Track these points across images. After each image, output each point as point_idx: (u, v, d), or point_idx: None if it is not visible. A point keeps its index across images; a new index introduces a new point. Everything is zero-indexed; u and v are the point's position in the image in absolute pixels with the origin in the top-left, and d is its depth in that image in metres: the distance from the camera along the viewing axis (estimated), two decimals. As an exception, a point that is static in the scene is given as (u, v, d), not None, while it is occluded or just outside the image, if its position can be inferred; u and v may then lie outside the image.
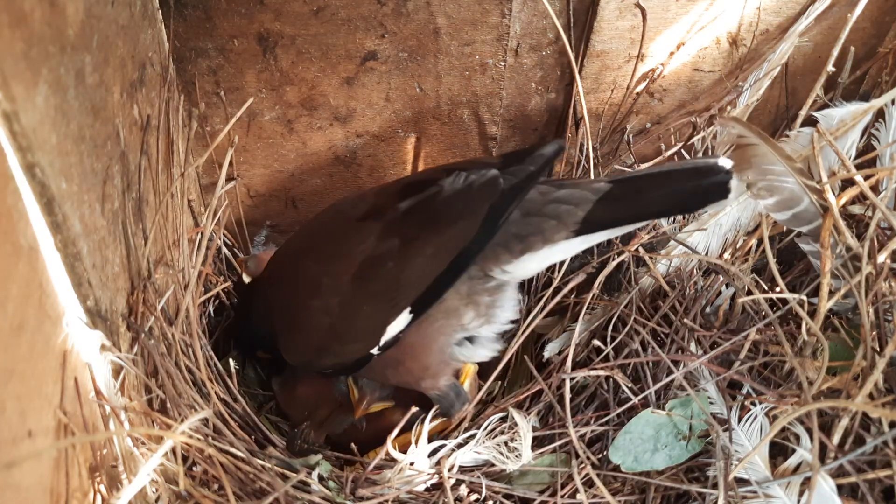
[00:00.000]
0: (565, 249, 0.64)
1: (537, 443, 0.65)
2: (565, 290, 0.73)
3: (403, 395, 0.75)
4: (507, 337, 0.74)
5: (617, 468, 0.62)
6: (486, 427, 0.66)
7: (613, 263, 0.72)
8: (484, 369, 0.82)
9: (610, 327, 0.71)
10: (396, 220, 0.66)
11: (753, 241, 0.71)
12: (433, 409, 0.70)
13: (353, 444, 0.70)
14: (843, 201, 0.60)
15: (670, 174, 0.62)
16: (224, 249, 0.85)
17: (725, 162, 0.59)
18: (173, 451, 0.52)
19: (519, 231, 0.64)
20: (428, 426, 0.65)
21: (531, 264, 0.65)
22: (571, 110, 0.81)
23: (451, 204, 0.64)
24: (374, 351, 0.66)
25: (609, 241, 0.78)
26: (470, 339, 0.69)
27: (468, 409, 0.72)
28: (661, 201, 0.60)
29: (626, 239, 0.74)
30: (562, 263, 0.80)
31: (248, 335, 0.80)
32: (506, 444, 0.65)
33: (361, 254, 0.65)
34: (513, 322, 0.71)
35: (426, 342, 0.67)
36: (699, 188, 0.60)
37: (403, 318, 0.64)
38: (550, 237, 0.62)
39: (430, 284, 0.63)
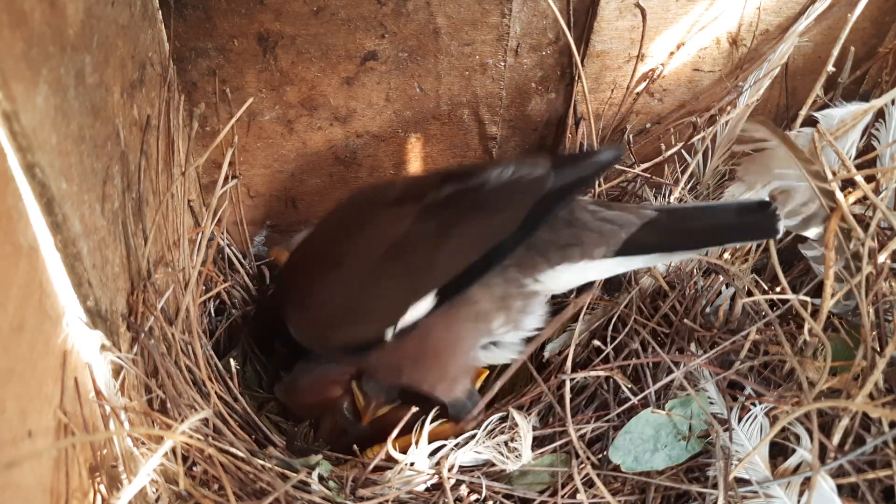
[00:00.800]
0: (602, 268, 0.63)
1: (537, 443, 0.65)
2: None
3: (407, 398, 0.75)
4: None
5: (617, 468, 0.62)
6: (486, 427, 0.66)
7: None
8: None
9: (610, 327, 0.71)
10: (436, 203, 0.65)
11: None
12: (434, 410, 0.70)
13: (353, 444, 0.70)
14: (850, 201, 0.60)
15: (716, 209, 0.63)
16: (225, 249, 0.85)
17: (769, 200, 0.60)
18: (173, 451, 0.52)
19: (559, 240, 0.63)
20: (429, 426, 0.65)
21: (566, 276, 0.64)
22: (571, 110, 0.81)
23: (495, 195, 0.64)
24: (389, 334, 0.64)
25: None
26: (495, 344, 0.69)
27: (479, 416, 0.71)
28: (706, 233, 0.61)
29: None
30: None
31: (265, 321, 0.80)
32: (506, 444, 0.65)
33: (394, 234, 0.65)
34: (537, 329, 0.69)
35: (453, 342, 0.66)
36: (745, 224, 0.60)
37: (427, 302, 0.62)
38: (590, 252, 0.62)
39: (461, 272, 0.62)
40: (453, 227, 0.63)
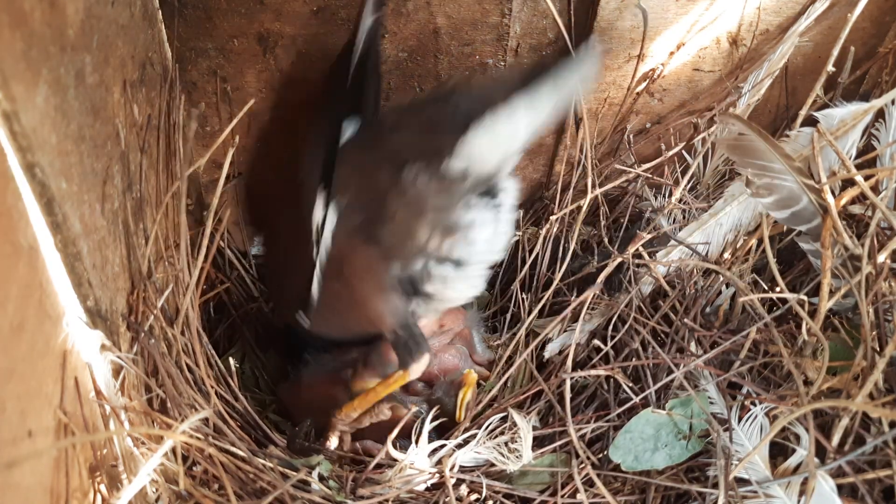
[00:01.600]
0: (514, 113, 0.56)
1: (537, 443, 0.65)
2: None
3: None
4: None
5: (617, 468, 0.62)
6: (487, 427, 0.66)
7: (614, 263, 0.72)
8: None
9: (610, 327, 0.71)
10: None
11: (754, 241, 0.71)
12: (434, 409, 0.70)
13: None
14: (843, 202, 0.60)
15: None
16: (225, 249, 0.85)
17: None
18: (173, 450, 0.52)
19: (460, 110, 0.57)
20: (428, 426, 0.65)
21: (481, 140, 0.57)
22: (571, 110, 0.81)
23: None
24: (314, 255, 0.62)
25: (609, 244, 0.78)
26: (453, 263, 0.63)
27: (427, 361, 0.67)
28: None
29: (626, 241, 0.74)
30: (562, 265, 0.80)
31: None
32: (506, 444, 0.64)
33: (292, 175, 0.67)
34: (495, 254, 0.64)
35: (366, 265, 0.63)
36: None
37: (321, 199, 0.60)
38: (490, 101, 0.55)
39: (327, 146, 0.60)
40: (308, 137, 0.65)
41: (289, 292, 0.68)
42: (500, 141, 0.57)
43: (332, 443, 0.70)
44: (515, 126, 0.56)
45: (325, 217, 0.60)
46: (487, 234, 0.62)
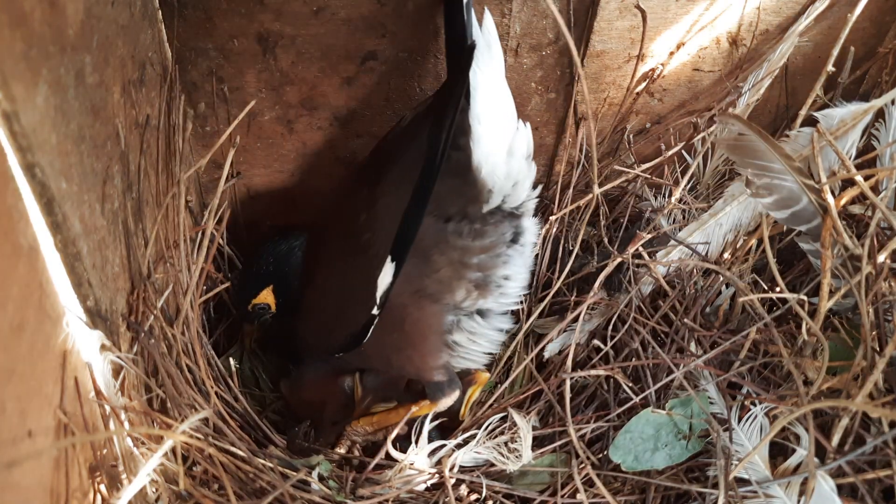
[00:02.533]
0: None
1: (537, 443, 0.65)
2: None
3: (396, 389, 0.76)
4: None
5: (617, 468, 0.62)
6: (487, 427, 0.66)
7: (614, 263, 0.72)
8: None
9: (610, 327, 0.71)
10: (364, 171, 0.69)
11: (754, 241, 0.71)
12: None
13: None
14: (843, 202, 0.60)
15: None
16: (225, 249, 0.85)
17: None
18: (173, 450, 0.52)
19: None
20: (428, 426, 0.65)
21: (484, 141, 0.62)
22: (571, 110, 0.81)
23: (402, 137, 0.67)
24: (374, 311, 0.65)
25: (609, 244, 0.78)
26: (470, 317, 0.69)
27: (457, 397, 0.71)
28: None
29: (626, 241, 0.74)
30: (562, 265, 0.80)
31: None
32: (506, 444, 0.65)
33: (347, 217, 0.68)
34: (524, 290, 0.70)
35: (423, 319, 0.67)
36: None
37: (388, 269, 0.62)
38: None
39: (401, 222, 0.61)
40: (377, 185, 0.65)
41: (333, 335, 0.71)
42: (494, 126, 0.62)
43: (342, 450, 0.71)
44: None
45: (391, 283, 0.63)
46: (520, 280, 0.70)
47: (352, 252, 0.67)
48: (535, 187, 0.69)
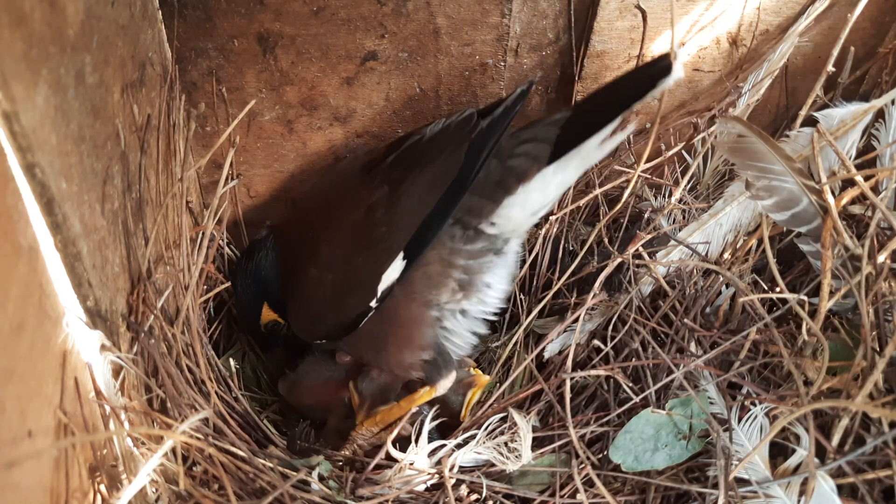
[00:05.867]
0: (542, 185, 0.63)
1: (537, 443, 0.65)
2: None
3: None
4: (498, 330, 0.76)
5: (617, 468, 0.62)
6: (487, 427, 0.66)
7: (614, 264, 0.72)
8: (484, 368, 0.82)
9: (610, 327, 0.71)
10: (384, 169, 0.68)
11: (754, 242, 0.71)
12: (434, 409, 0.70)
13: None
14: (843, 202, 0.60)
15: (618, 78, 0.64)
16: (225, 249, 0.85)
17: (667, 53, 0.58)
18: (173, 450, 0.52)
19: (493, 177, 0.64)
20: (428, 426, 0.65)
21: (514, 210, 0.65)
22: (571, 110, 0.81)
23: (433, 144, 0.66)
24: (373, 304, 0.66)
25: (609, 244, 0.78)
26: (455, 317, 0.70)
27: (454, 378, 0.72)
28: (616, 100, 0.60)
29: (626, 241, 0.74)
30: (562, 265, 0.80)
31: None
32: (506, 444, 0.64)
33: (357, 211, 0.67)
34: (502, 302, 0.71)
35: (416, 311, 0.68)
36: (646, 75, 0.58)
37: (397, 265, 0.64)
38: (524, 174, 0.62)
39: (419, 226, 0.63)
40: (401, 184, 0.65)
41: (323, 321, 0.71)
42: (530, 207, 0.65)
43: (347, 453, 0.71)
44: (545, 194, 0.64)
45: (396, 280, 0.65)
46: (500, 289, 0.71)
47: (359, 244, 0.67)
48: None
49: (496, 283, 0.69)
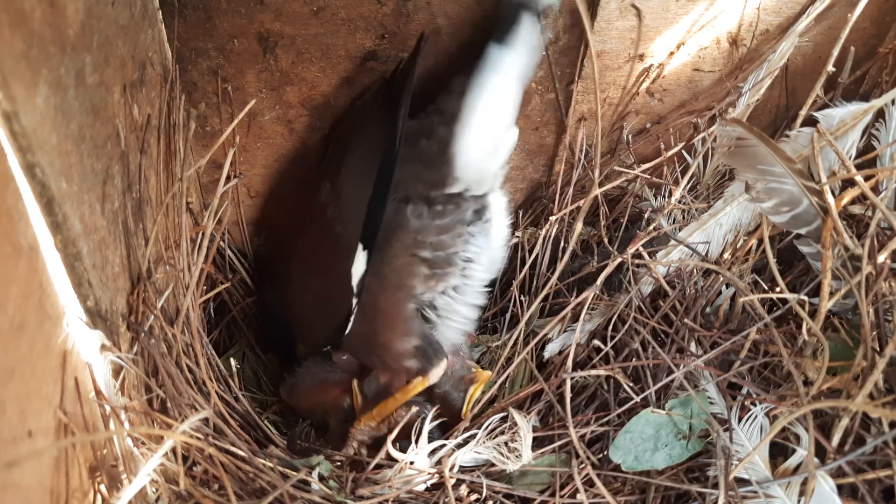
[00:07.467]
0: (481, 103, 0.62)
1: (537, 443, 0.65)
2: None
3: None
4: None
5: (617, 468, 0.62)
6: (487, 427, 0.66)
7: (614, 263, 0.72)
8: (484, 368, 0.82)
9: (610, 327, 0.71)
10: (324, 167, 0.69)
11: (754, 242, 0.71)
12: (434, 409, 0.70)
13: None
14: (843, 202, 0.60)
15: None
16: (225, 249, 0.85)
17: None
18: (173, 450, 0.52)
19: (434, 141, 0.63)
20: (428, 426, 0.65)
21: (468, 153, 0.63)
22: (572, 110, 0.81)
23: (352, 127, 0.67)
24: (353, 301, 0.66)
25: (609, 244, 0.78)
26: (453, 290, 0.69)
27: (445, 366, 0.72)
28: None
29: (626, 241, 0.74)
30: (562, 265, 0.80)
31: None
32: (506, 444, 0.64)
33: (314, 214, 0.68)
34: (491, 275, 0.71)
35: (393, 303, 0.68)
36: None
37: (361, 257, 0.63)
38: (454, 112, 0.62)
39: (367, 211, 0.62)
40: (338, 175, 0.66)
41: (319, 329, 0.72)
42: (483, 142, 0.63)
43: (349, 451, 0.71)
44: (488, 113, 0.62)
45: (365, 272, 0.64)
46: (484, 261, 0.69)
47: (324, 247, 0.68)
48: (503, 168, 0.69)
49: (478, 256, 0.68)
